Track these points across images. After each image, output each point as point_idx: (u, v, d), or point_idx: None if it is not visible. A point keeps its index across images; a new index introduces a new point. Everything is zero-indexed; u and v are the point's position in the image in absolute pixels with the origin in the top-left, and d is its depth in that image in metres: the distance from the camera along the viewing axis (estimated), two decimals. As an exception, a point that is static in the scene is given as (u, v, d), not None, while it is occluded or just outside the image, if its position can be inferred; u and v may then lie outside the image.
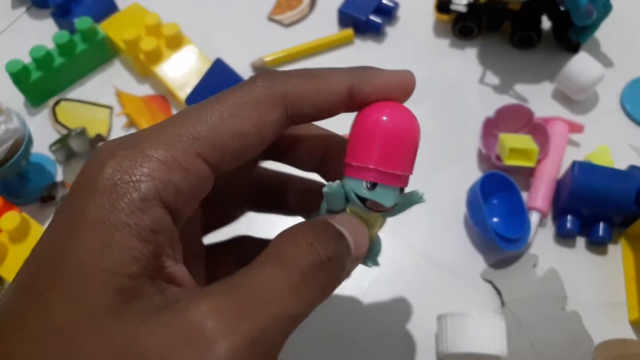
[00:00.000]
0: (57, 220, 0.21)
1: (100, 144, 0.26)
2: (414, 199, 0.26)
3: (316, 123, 0.26)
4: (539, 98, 0.52)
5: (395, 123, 0.23)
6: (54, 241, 0.20)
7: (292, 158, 0.28)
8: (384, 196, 0.23)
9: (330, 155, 0.28)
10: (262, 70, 0.24)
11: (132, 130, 0.52)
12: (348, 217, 0.24)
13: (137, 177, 0.20)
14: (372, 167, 0.23)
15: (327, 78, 0.23)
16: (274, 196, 0.31)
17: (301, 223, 0.23)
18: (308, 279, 0.20)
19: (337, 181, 0.23)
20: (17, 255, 0.43)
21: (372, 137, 0.23)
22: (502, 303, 0.42)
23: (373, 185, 0.23)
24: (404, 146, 0.23)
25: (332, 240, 0.22)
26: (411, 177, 0.27)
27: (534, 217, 0.44)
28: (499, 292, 0.42)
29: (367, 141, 0.23)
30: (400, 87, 0.24)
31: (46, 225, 0.47)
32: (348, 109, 0.24)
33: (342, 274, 0.22)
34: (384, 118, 0.23)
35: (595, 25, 0.51)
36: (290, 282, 0.20)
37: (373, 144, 0.23)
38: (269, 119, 0.22)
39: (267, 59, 0.55)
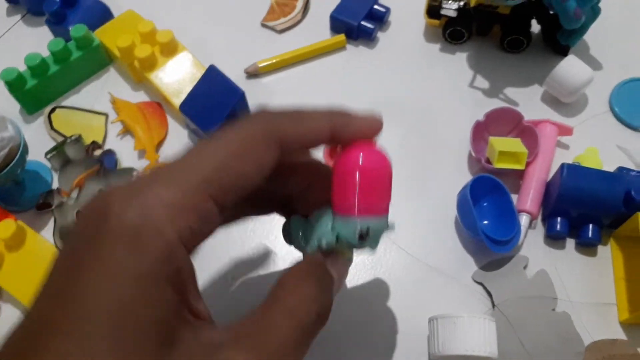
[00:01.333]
0: (79, 261, 0.21)
1: (108, 186, 0.26)
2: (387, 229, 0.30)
3: None
4: (529, 101, 0.52)
5: (373, 165, 0.27)
6: (85, 285, 0.20)
7: (278, 183, 0.29)
8: (372, 243, 0.28)
9: (313, 186, 0.31)
10: (260, 108, 0.27)
11: (128, 137, 0.53)
12: (340, 262, 0.29)
13: (161, 223, 0.21)
14: (362, 205, 0.27)
15: (315, 120, 0.27)
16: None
17: (303, 267, 0.27)
18: (311, 331, 0.25)
19: (335, 236, 0.28)
20: (13, 263, 0.44)
21: (356, 180, 0.27)
22: (493, 304, 0.42)
23: (364, 237, 0.27)
24: (383, 182, 0.28)
25: (330, 293, 0.27)
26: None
27: (524, 219, 0.45)
28: (489, 294, 0.43)
29: (353, 184, 0.27)
30: (371, 130, 0.28)
31: (43, 233, 0.48)
32: (328, 144, 0.28)
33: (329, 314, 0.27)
34: (362, 163, 0.27)
35: (584, 29, 0.52)
36: (299, 335, 0.24)
37: (358, 185, 0.27)
38: (267, 158, 0.25)
39: (261, 64, 0.56)
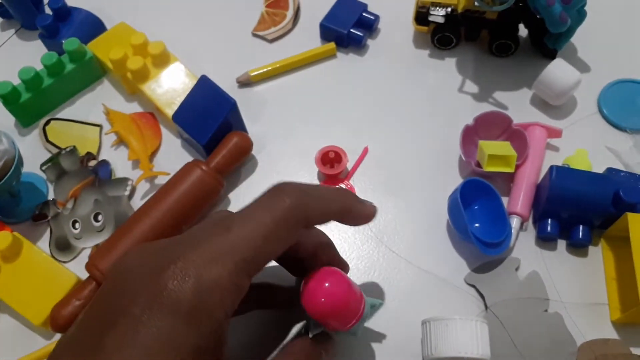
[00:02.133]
0: (135, 325, 0.24)
1: (157, 252, 0.29)
2: (376, 309, 0.37)
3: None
4: (518, 104, 0.53)
5: (336, 303, 0.32)
6: (140, 348, 0.24)
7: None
8: (356, 332, 0.35)
9: (312, 251, 0.35)
10: (288, 185, 0.31)
11: (122, 148, 0.53)
12: (329, 344, 0.35)
13: (213, 305, 0.25)
14: (339, 327, 0.34)
15: (330, 201, 0.32)
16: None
17: (300, 344, 0.33)
18: None
19: (321, 330, 0.34)
20: (10, 274, 0.44)
21: (326, 318, 0.33)
22: (486, 306, 0.43)
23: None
24: (348, 304, 0.33)
25: None
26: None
27: (515, 222, 0.45)
28: (482, 296, 0.43)
29: (325, 320, 0.33)
30: (368, 216, 0.34)
31: (39, 244, 0.48)
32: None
33: None
34: (326, 306, 0.32)
35: (570, 32, 0.52)
36: None
37: (330, 320, 0.33)
38: (292, 238, 0.29)
39: (252, 73, 0.56)
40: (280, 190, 0.30)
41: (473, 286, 0.44)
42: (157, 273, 0.26)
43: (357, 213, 0.33)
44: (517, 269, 0.44)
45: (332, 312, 0.32)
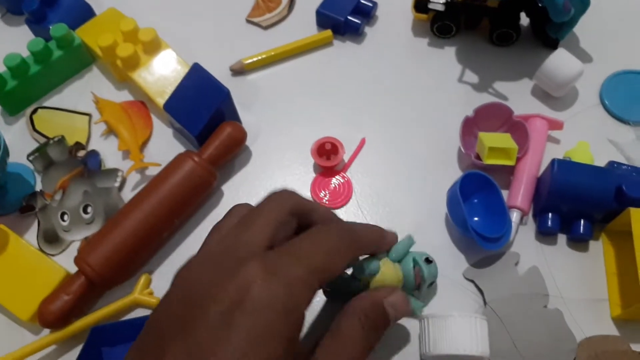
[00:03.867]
0: (231, 319, 0.25)
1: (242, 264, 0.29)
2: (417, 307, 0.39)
3: None
4: (519, 95, 0.52)
5: None
6: (238, 339, 0.25)
7: None
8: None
9: None
10: (362, 228, 0.38)
11: (112, 137, 0.52)
12: (399, 297, 0.35)
13: (300, 300, 0.28)
14: None
15: (371, 243, 0.37)
16: None
17: (362, 301, 0.33)
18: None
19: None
20: (-4, 268, 0.43)
21: None
22: (485, 302, 0.42)
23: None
24: None
25: (382, 329, 0.33)
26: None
27: (515, 216, 0.44)
28: (481, 291, 0.42)
29: None
30: (390, 244, 0.39)
31: (26, 236, 0.47)
32: None
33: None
34: None
35: (573, 21, 0.51)
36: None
37: None
38: (345, 268, 0.35)
39: (246, 62, 0.55)
40: (354, 230, 0.34)
41: (472, 281, 0.43)
42: (235, 271, 0.27)
43: (385, 246, 0.38)
44: (516, 264, 0.43)
45: None
